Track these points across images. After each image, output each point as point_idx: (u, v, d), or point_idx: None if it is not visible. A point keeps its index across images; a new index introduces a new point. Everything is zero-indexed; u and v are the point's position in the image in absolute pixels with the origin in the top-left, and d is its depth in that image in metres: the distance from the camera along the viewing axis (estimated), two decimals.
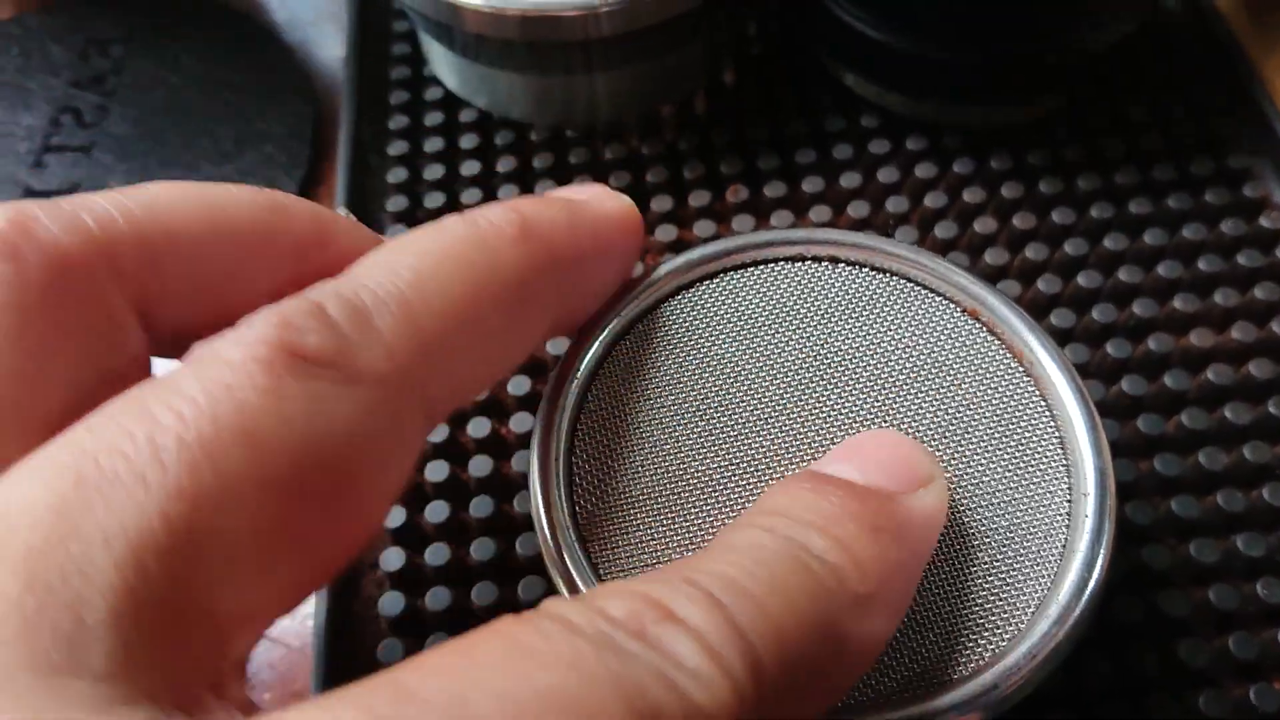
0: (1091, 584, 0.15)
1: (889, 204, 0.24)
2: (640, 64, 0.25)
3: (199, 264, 0.13)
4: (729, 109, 0.27)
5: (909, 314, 0.18)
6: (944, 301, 0.18)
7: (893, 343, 0.17)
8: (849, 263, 0.18)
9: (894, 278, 0.18)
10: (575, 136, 0.27)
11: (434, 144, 0.27)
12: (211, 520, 0.10)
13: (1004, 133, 0.26)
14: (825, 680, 0.12)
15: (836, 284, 0.18)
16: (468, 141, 0.27)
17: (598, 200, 0.17)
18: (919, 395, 0.17)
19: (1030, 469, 0.16)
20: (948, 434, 0.16)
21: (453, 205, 0.26)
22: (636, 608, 0.10)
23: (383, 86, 0.28)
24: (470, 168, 0.26)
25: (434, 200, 0.26)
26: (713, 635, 0.10)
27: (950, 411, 0.17)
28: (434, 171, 0.26)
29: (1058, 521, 0.16)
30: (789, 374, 0.17)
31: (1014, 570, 0.15)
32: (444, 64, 0.27)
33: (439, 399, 0.13)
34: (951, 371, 0.17)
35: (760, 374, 0.17)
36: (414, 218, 0.26)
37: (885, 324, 0.18)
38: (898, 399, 0.17)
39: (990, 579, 0.15)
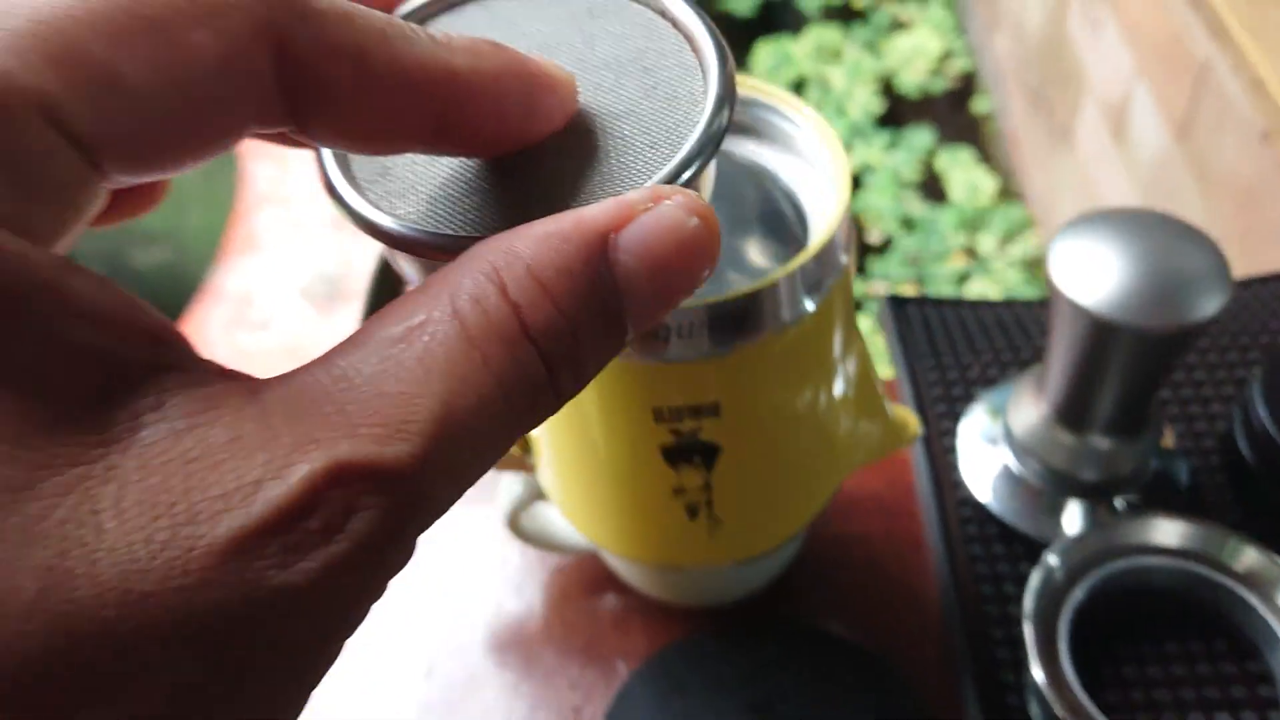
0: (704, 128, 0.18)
1: None
2: None
3: None
4: None
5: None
6: None
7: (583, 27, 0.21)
8: None
9: None
10: None
11: None
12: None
13: None
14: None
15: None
16: None
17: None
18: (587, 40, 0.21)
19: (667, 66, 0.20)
20: (604, 63, 0.20)
21: None
22: None
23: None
24: None
25: None
26: None
27: (605, 50, 0.20)
28: None
29: (693, 101, 0.19)
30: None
31: (655, 132, 0.19)
32: None
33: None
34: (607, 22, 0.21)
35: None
36: None
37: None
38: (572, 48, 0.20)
39: (637, 143, 0.19)
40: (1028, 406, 0.45)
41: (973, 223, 1.81)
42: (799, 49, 2.11)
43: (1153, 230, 0.38)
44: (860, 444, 0.38)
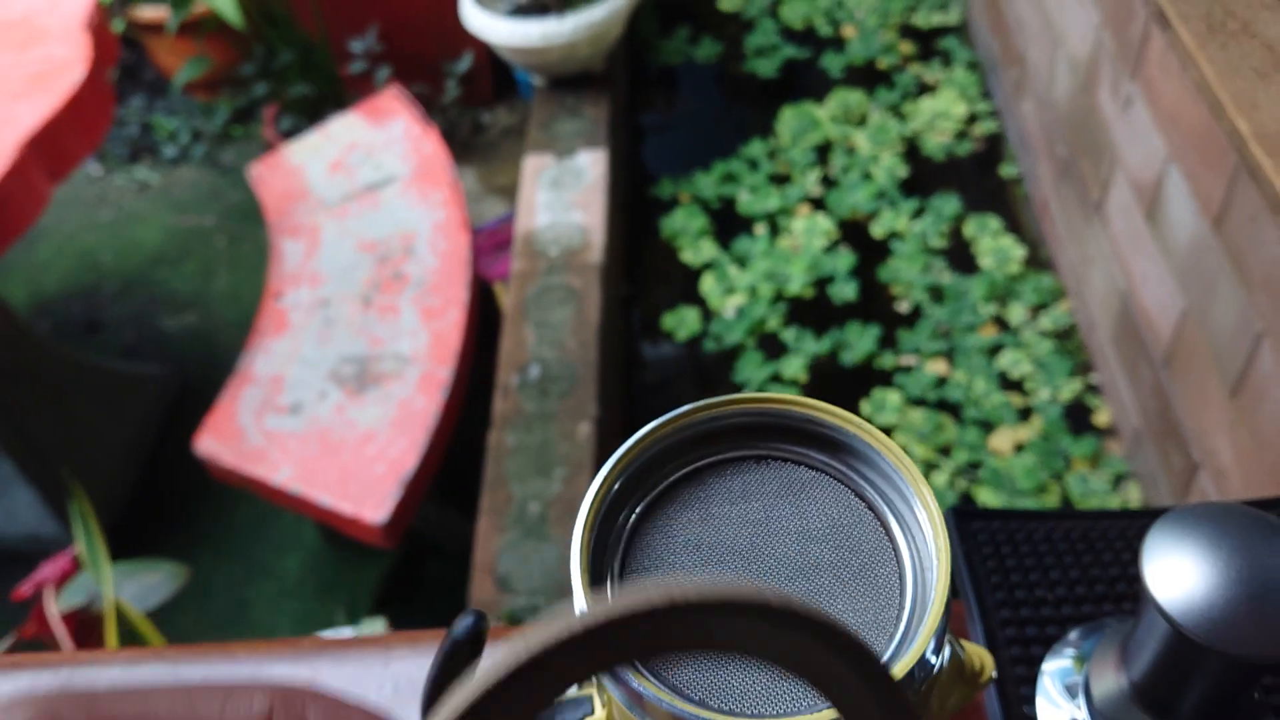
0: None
1: None
2: None
3: None
4: None
5: (822, 497, 0.28)
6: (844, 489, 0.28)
7: (806, 514, 0.28)
8: (793, 462, 0.28)
9: (819, 473, 0.28)
10: None
11: None
12: None
13: None
14: None
15: (779, 475, 0.28)
16: None
17: None
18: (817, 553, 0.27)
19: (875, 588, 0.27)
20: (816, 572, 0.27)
21: None
22: None
23: None
24: None
25: None
26: None
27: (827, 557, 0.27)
28: None
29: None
30: (753, 533, 0.27)
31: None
32: None
33: None
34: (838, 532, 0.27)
35: (726, 530, 0.27)
36: None
37: (803, 503, 0.28)
38: (800, 553, 0.27)
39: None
40: (1109, 674, 0.43)
41: (1003, 292, 1.79)
42: (823, 112, 2.10)
43: (1257, 535, 0.36)
44: (945, 704, 0.36)
